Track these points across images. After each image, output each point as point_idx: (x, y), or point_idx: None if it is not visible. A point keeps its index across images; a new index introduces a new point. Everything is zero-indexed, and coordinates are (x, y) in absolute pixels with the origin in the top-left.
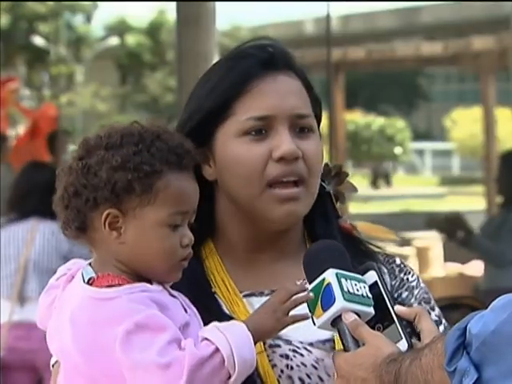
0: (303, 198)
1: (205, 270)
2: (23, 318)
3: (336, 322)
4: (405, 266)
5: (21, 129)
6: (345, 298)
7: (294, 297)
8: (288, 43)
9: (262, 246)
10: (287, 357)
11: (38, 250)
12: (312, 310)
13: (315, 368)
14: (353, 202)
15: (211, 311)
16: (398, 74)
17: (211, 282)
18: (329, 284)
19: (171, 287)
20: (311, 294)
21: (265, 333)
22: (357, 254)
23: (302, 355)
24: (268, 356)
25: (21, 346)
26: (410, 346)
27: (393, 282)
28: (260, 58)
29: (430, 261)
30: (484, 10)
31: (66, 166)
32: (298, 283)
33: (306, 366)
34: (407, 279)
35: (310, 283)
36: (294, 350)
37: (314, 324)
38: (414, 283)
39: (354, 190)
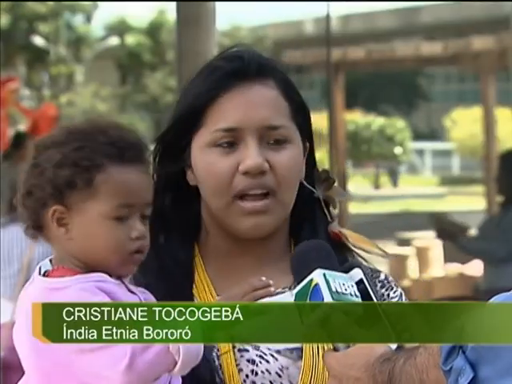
0: (272, 210)
1: (193, 269)
2: None
3: None
4: (388, 282)
5: (21, 129)
6: (333, 298)
7: (256, 292)
8: (288, 43)
9: (242, 253)
10: (253, 362)
11: (42, 250)
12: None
13: (279, 376)
14: (353, 202)
15: None
16: (398, 74)
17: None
18: (317, 284)
19: (152, 280)
20: (271, 289)
21: None
22: (342, 263)
23: (267, 362)
24: (236, 360)
25: None
26: (398, 344)
27: None
28: (230, 68)
29: (429, 261)
30: (484, 10)
31: (27, 166)
32: (263, 279)
33: (270, 373)
34: (388, 295)
35: (298, 284)
36: (260, 356)
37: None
38: (395, 299)
39: (343, 194)
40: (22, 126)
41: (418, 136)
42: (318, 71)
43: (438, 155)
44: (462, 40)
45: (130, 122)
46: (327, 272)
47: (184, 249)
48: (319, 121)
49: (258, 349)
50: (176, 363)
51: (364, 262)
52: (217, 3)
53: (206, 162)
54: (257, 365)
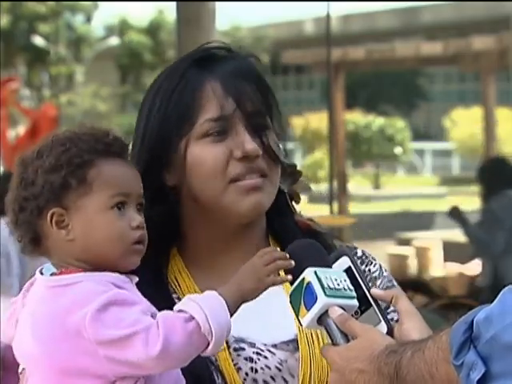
0: (267, 189)
1: (168, 277)
2: None
3: (322, 320)
4: (366, 257)
5: (21, 129)
6: (326, 295)
7: (278, 262)
8: (288, 43)
9: (226, 247)
10: (251, 360)
11: None
12: (296, 310)
13: (279, 370)
14: (353, 202)
15: None
16: (397, 74)
17: (176, 288)
18: (309, 283)
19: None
20: (292, 262)
21: (246, 292)
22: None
23: (265, 357)
24: (233, 360)
25: None
26: (390, 328)
27: None
28: (194, 60)
29: (429, 261)
30: (484, 9)
31: (12, 185)
32: (278, 249)
33: (270, 368)
34: (369, 270)
35: (291, 284)
36: (257, 353)
37: (301, 325)
38: (377, 273)
39: (308, 189)
40: (22, 126)
41: (417, 136)
42: (318, 71)
43: (437, 155)
44: (463, 40)
45: (130, 122)
46: (318, 269)
47: (162, 255)
48: (319, 121)
49: (254, 346)
50: (208, 343)
51: (339, 242)
52: (217, 3)
53: (196, 153)
54: (255, 362)
